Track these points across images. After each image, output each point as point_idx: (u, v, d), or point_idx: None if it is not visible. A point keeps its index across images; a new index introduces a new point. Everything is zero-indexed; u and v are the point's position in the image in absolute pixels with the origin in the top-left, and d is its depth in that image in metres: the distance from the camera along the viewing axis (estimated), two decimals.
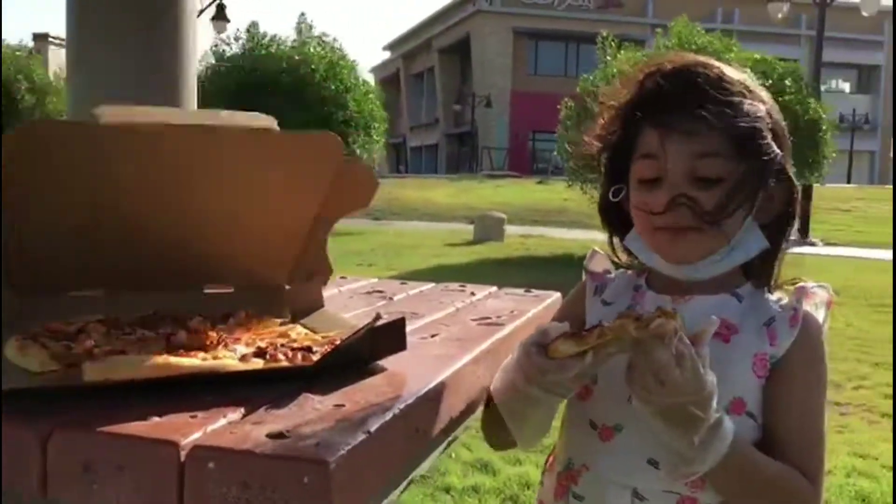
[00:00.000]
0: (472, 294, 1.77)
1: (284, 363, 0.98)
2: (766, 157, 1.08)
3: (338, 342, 1.02)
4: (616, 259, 1.27)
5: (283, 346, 1.04)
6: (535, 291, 1.81)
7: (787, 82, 11.52)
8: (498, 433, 1.14)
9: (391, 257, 11.27)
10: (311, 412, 0.86)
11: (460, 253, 12.07)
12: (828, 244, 14.85)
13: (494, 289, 1.87)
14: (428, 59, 49.67)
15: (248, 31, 15.21)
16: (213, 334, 1.06)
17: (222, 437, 0.78)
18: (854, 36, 40.66)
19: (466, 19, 43.60)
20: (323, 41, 14.84)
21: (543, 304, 1.66)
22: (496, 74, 41.34)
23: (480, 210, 16.39)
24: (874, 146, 44.68)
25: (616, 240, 1.24)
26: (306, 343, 1.06)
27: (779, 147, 1.10)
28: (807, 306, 1.13)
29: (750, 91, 1.11)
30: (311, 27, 15.06)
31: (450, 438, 1.17)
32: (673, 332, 0.92)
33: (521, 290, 1.82)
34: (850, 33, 39.24)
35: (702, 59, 1.14)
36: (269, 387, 0.93)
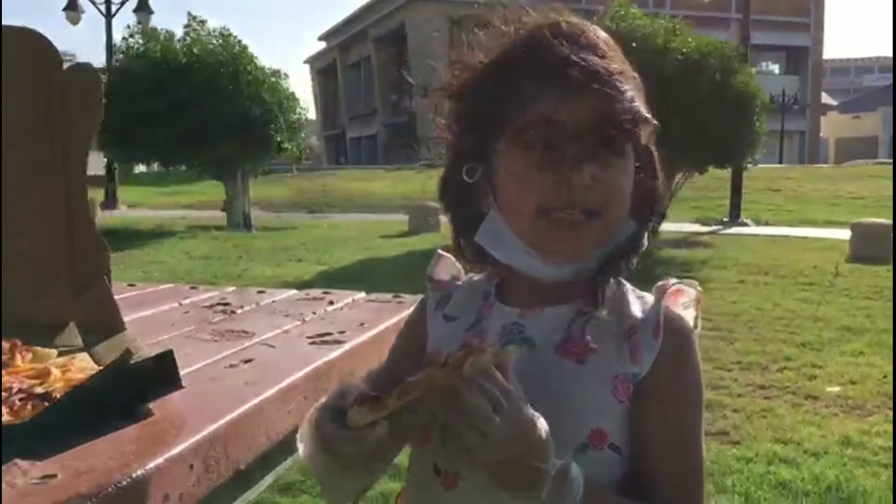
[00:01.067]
0: (331, 303, 1.58)
1: (6, 418, 0.78)
2: (652, 135, 0.93)
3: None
4: (462, 257, 1.04)
5: (19, 391, 0.84)
6: (404, 296, 1.63)
7: (736, 64, 11.44)
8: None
9: (321, 251, 10.99)
10: (4, 489, 0.66)
11: (393, 245, 11.86)
12: (759, 224, 15.04)
13: (361, 295, 1.68)
14: (364, 48, 49.11)
15: (139, 28, 14.49)
16: None
17: None
18: (782, 18, 41.47)
19: (401, 8, 43.21)
20: (221, 34, 14.14)
21: (405, 313, 1.48)
22: (433, 63, 40.95)
23: (418, 200, 16.20)
24: (803, 126, 45.74)
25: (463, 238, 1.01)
26: (56, 387, 0.86)
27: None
28: (674, 307, 0.96)
29: (627, 62, 0.94)
30: (202, 23, 14.32)
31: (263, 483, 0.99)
32: (483, 371, 0.75)
33: (388, 296, 1.64)
34: (777, 15, 40.01)
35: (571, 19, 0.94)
36: None
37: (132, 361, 0.83)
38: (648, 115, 0.91)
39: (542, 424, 0.78)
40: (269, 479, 0.99)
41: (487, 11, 1.01)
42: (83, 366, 0.98)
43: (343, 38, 52.48)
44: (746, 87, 11.03)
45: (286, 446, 1.00)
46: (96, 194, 18.37)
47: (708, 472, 2.27)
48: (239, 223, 14.09)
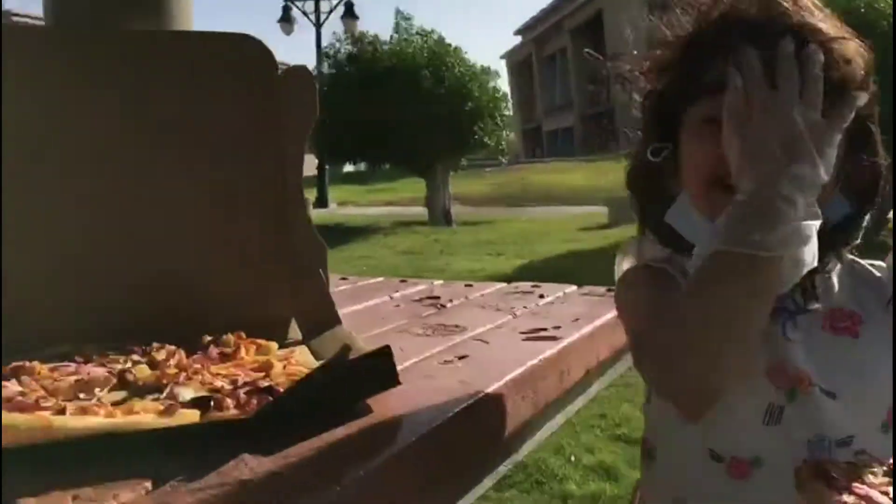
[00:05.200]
0: (542, 296, 1.52)
1: (231, 412, 0.78)
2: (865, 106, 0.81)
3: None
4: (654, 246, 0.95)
5: (245, 384, 0.84)
6: None
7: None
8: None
9: (521, 245, 11.01)
10: (231, 486, 0.66)
11: (594, 237, 11.64)
12: None
13: (572, 288, 1.61)
14: (559, 40, 48.81)
15: (348, 34, 15.05)
16: (171, 371, 0.88)
17: None
18: None
19: None
20: (424, 33, 14.46)
21: None
22: (632, 51, 39.92)
23: (616, 192, 15.83)
24: None
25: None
26: (279, 381, 0.86)
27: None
28: None
29: (839, 26, 0.84)
30: (407, 19, 14.68)
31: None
32: None
33: (602, 289, 1.56)
34: None
35: None
36: (203, 446, 0.74)
37: (350, 357, 0.81)
38: (861, 80, 0.80)
39: None
40: (487, 483, 0.94)
41: None
42: (302, 360, 0.98)
43: (538, 31, 52.44)
44: None
45: (505, 448, 0.96)
46: (309, 194, 19.60)
47: None
48: (439, 219, 14.43)
